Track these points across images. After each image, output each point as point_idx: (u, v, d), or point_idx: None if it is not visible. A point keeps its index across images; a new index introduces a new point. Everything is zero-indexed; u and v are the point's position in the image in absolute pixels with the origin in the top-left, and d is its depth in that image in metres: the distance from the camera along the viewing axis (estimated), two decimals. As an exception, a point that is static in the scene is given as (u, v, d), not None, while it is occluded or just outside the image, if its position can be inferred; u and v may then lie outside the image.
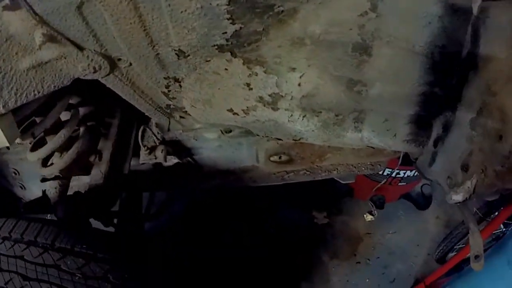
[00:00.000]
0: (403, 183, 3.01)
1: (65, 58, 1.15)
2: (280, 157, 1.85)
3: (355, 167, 1.95)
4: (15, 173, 2.07)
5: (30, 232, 1.31)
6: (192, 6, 1.01)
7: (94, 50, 1.14)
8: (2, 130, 1.32)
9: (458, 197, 1.23)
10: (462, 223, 2.55)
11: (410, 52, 1.12)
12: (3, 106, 1.20)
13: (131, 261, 1.39)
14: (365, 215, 3.15)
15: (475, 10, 1.05)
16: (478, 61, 1.11)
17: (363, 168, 1.98)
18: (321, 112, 1.30)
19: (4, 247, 1.26)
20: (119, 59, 1.18)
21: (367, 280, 2.90)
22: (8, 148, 1.83)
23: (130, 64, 1.20)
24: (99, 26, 1.07)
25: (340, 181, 2.08)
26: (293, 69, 1.18)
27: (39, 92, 1.24)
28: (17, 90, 1.21)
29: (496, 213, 2.32)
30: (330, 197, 3.38)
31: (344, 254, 3.03)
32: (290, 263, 2.95)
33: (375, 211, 3.09)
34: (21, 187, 2.14)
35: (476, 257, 1.64)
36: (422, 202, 3.33)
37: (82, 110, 1.70)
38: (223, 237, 2.93)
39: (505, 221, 2.47)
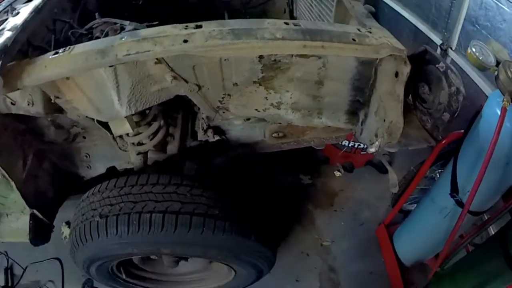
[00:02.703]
0: (364, 152, 3.74)
1: (177, 85, 1.86)
2: (278, 134, 2.54)
3: (324, 139, 2.60)
4: (86, 156, 2.57)
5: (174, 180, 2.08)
6: (248, 64, 1.81)
7: (193, 82, 1.88)
8: (129, 123, 2.11)
9: (372, 149, 2.04)
10: (405, 175, 3.06)
11: (343, 83, 1.96)
12: (135, 110, 1.93)
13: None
14: (334, 172, 3.93)
15: (376, 61, 1.82)
16: (376, 85, 1.92)
17: (330, 140, 2.63)
18: (300, 110, 2.14)
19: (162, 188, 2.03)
20: (203, 85, 1.92)
21: (342, 223, 3.63)
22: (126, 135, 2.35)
23: (208, 88, 1.95)
24: (200, 72, 1.82)
25: (315, 147, 2.73)
26: (287, 91, 2.02)
27: (155, 102, 1.97)
28: (144, 101, 1.92)
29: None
30: (312, 164, 4.09)
31: (324, 204, 3.80)
32: (285, 211, 3.65)
33: (341, 169, 3.83)
34: (87, 167, 2.64)
35: (393, 185, 2.55)
36: (382, 167, 3.96)
37: (159, 109, 2.38)
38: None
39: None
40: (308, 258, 3.39)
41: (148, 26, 2.23)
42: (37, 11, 2.13)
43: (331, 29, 1.84)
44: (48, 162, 2.46)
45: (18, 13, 2.08)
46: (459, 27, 3.19)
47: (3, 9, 2.43)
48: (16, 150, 2.18)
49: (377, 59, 1.83)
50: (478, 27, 2.97)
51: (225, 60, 1.80)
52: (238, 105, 2.16)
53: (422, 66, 2.22)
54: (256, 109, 2.17)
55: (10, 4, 2.47)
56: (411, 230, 2.97)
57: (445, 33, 3.38)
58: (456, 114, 2.10)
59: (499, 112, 1.75)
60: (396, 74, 1.85)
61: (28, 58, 1.80)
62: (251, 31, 1.72)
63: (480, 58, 1.94)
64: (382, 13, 4.55)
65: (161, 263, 2.66)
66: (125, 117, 2.02)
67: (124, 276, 2.67)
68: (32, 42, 2.17)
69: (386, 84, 1.89)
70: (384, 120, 1.95)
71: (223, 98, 2.11)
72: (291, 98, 2.09)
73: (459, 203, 2.17)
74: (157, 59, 1.73)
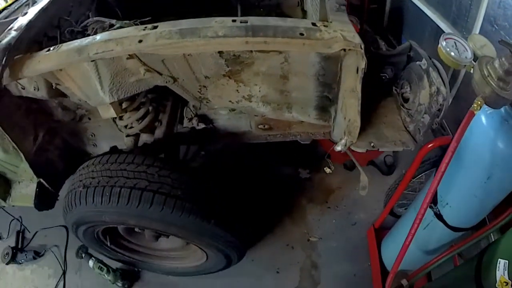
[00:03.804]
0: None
1: (152, 77, 2.08)
2: (264, 126, 2.62)
3: (311, 133, 2.60)
4: (92, 135, 2.86)
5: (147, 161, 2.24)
6: (211, 59, 1.97)
7: (167, 75, 2.08)
8: (114, 109, 2.31)
9: (339, 147, 2.16)
10: (397, 179, 3.05)
11: (307, 78, 2.05)
12: (117, 98, 2.16)
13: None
14: (324, 168, 3.48)
15: (341, 56, 1.86)
16: (340, 80, 1.96)
17: (317, 135, 2.60)
18: (270, 103, 2.27)
19: (135, 167, 2.22)
20: (178, 78, 2.12)
21: (334, 221, 3.59)
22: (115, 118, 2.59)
23: (183, 80, 2.14)
24: (171, 66, 2.01)
25: (301, 141, 2.68)
26: (256, 85, 2.14)
27: (136, 91, 2.21)
28: (125, 90, 2.15)
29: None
30: (312, 159, 4.03)
31: (318, 200, 3.76)
32: (277, 204, 3.71)
33: (332, 166, 3.45)
34: (93, 145, 2.92)
35: (363, 187, 2.40)
36: (385, 169, 3.88)
37: (149, 96, 2.61)
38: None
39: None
40: (293, 251, 3.43)
41: (141, 23, 2.43)
42: (42, 11, 2.44)
43: (279, 24, 1.91)
44: (59, 139, 2.78)
45: (26, 13, 2.39)
46: (478, 27, 3.08)
47: (25, 2, 2.85)
48: (27, 126, 2.51)
49: (340, 54, 1.87)
50: (496, 27, 2.85)
51: (188, 55, 1.99)
52: (214, 96, 2.33)
53: (406, 63, 2.26)
54: (230, 101, 2.34)
55: (31, -4, 2.81)
56: (396, 238, 2.88)
57: (465, 33, 3.26)
58: (439, 117, 2.03)
59: (482, 118, 1.64)
60: (357, 70, 1.90)
61: (29, 53, 2.10)
62: (196, 30, 1.88)
63: (452, 54, 1.57)
64: (406, 10, 4.54)
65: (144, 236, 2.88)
66: (110, 103, 2.24)
67: (109, 244, 2.91)
68: (47, 34, 2.49)
69: (349, 80, 1.96)
70: (345, 118, 2.05)
71: (200, 89, 2.29)
72: (259, 91, 2.23)
73: (438, 215, 2.08)
74: (129, 54, 1.95)
